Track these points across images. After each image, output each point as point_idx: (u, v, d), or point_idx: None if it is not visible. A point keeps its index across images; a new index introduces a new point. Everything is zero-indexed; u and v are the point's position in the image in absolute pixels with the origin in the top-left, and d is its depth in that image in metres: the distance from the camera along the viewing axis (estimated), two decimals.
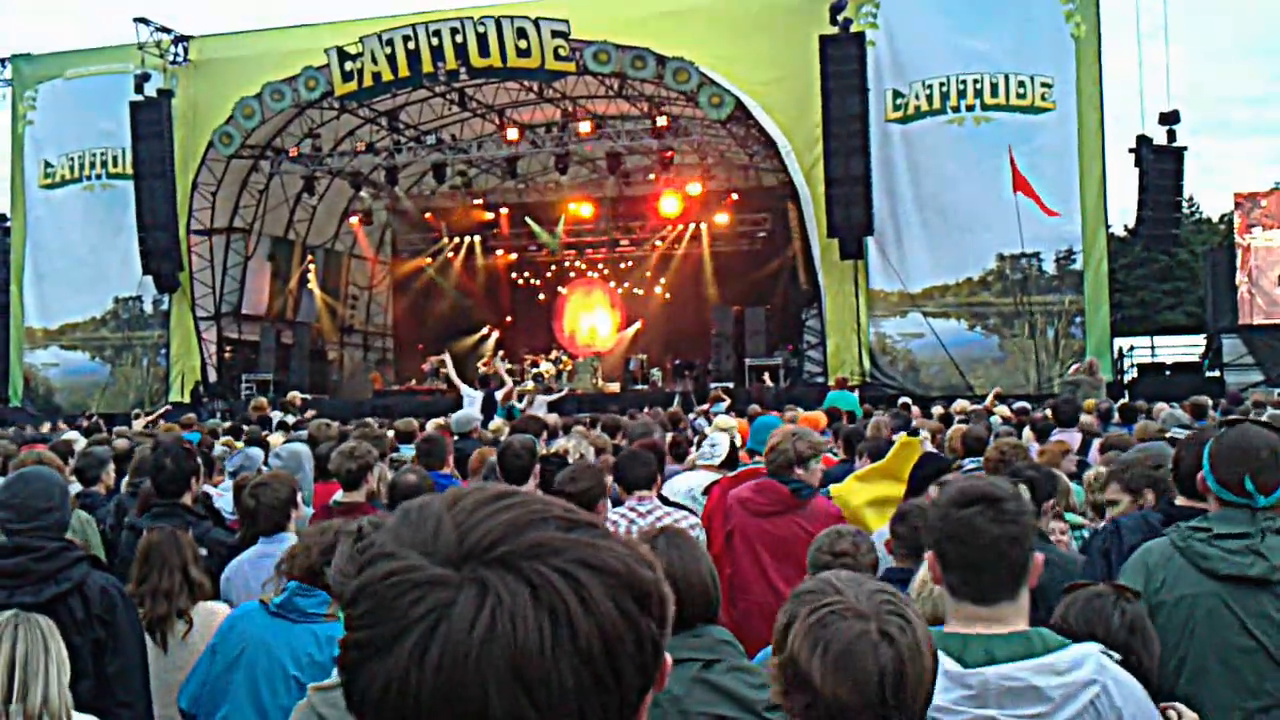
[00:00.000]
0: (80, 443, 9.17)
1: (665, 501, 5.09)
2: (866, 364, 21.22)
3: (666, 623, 0.96)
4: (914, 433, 8.67)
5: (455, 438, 8.63)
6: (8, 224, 27.47)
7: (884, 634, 1.78)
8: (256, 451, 7.32)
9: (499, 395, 14.02)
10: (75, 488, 5.93)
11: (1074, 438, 8.56)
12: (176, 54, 25.60)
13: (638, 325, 30.48)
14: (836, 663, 1.77)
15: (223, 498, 6.41)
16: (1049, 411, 10.25)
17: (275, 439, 9.93)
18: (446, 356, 16.46)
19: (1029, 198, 19.87)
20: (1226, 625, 3.10)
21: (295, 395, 18.35)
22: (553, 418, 12.01)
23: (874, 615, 1.80)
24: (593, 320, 31.71)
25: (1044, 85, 20.42)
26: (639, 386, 25.46)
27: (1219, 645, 3.09)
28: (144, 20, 25.10)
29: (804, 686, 1.80)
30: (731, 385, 21.88)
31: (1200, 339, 23.81)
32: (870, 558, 3.53)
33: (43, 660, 2.91)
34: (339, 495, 5.63)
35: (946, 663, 2.14)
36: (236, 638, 3.56)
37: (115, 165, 26.18)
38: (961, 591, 2.30)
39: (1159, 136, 20.24)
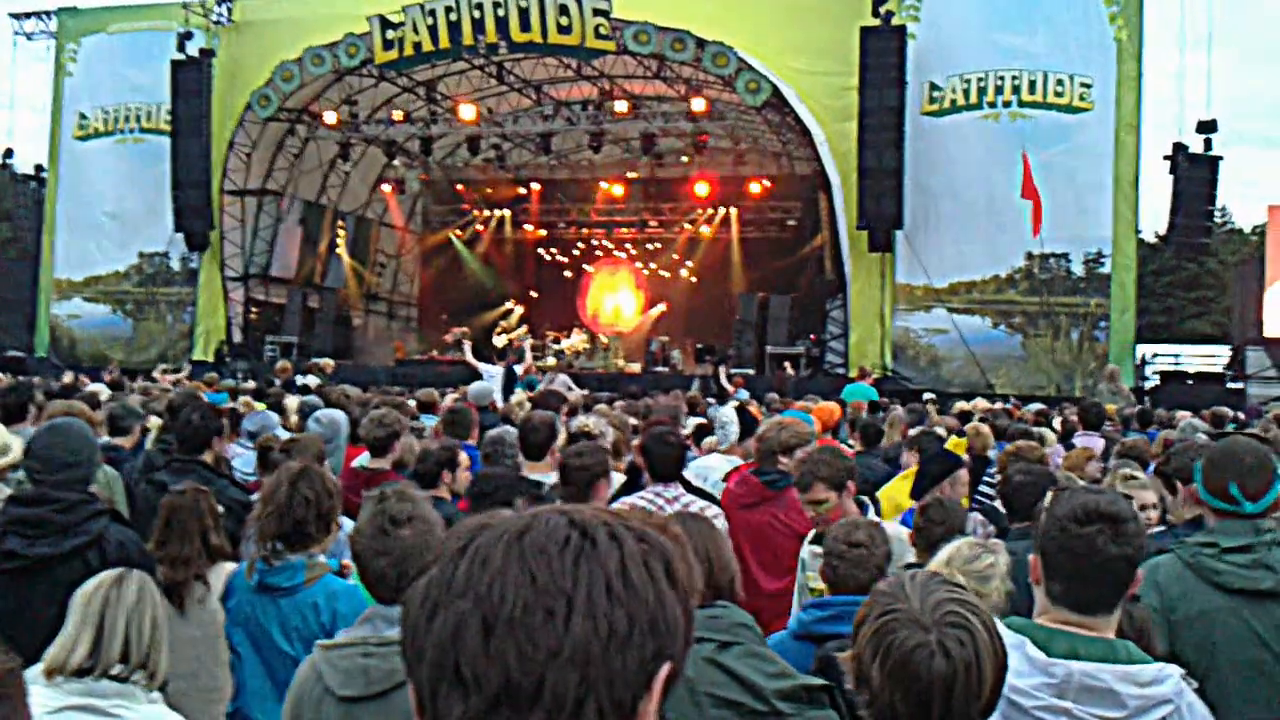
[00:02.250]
0: (105, 395, 9.29)
1: (689, 488, 5.14)
2: (888, 358, 21.20)
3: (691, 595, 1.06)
4: (959, 433, 8.73)
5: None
6: (44, 175, 27.70)
7: (942, 647, 1.82)
8: (273, 415, 7.40)
9: (519, 369, 14.10)
10: (103, 439, 6.01)
11: (1096, 442, 8.56)
12: (220, 14, 25.70)
13: (662, 307, 30.52)
14: (893, 672, 1.82)
15: (240, 457, 6.50)
16: (1074, 414, 10.25)
17: (291, 402, 10.03)
18: (467, 346, 16.41)
19: (1030, 201, 19.74)
20: (1243, 639, 3.13)
21: (327, 361, 18.58)
22: (575, 394, 12.10)
23: (935, 627, 1.84)
24: (617, 300, 31.76)
25: (1083, 85, 20.26)
26: (660, 368, 25.50)
27: (1238, 659, 3.12)
28: None
29: (866, 686, 1.88)
30: (751, 372, 21.91)
31: (1225, 349, 23.64)
32: (884, 549, 3.58)
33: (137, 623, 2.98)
34: (365, 460, 5.74)
35: (1031, 649, 2.21)
36: (234, 614, 3.65)
37: (149, 120, 26.34)
38: (1063, 599, 2.34)
39: (1195, 144, 20.07)
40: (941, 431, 8.26)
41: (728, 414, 7.09)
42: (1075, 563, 2.30)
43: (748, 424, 6.82)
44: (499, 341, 27.61)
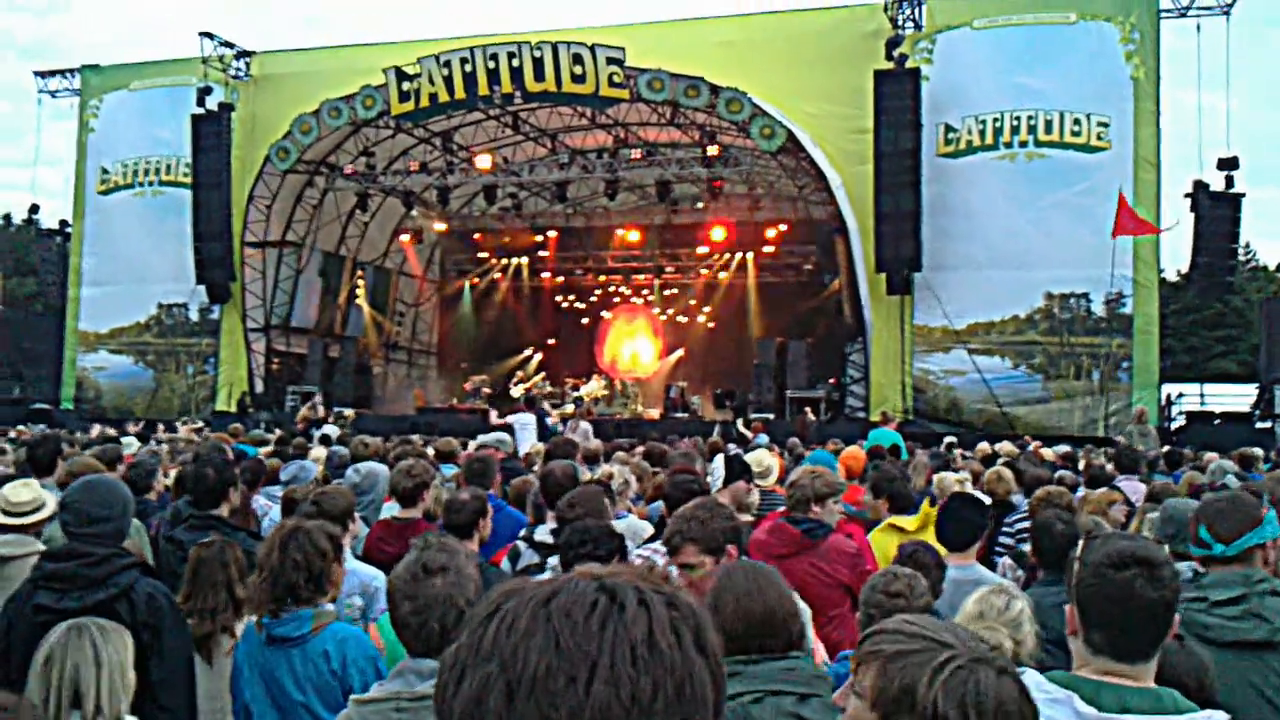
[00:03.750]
0: (133, 446, 9.31)
1: None
2: (909, 400, 21.10)
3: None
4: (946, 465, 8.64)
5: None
6: (69, 229, 28.02)
7: (1002, 670, 1.70)
8: (310, 465, 7.41)
9: (550, 419, 14.11)
10: None
11: (1139, 487, 8.43)
12: (239, 69, 26.10)
13: (680, 353, 30.54)
14: (994, 713, 1.66)
15: (274, 511, 6.48)
16: (1106, 457, 10.13)
17: (319, 452, 10.04)
18: (495, 416, 16.40)
19: (1138, 233, 19.49)
20: (1240, 694, 3.06)
21: (349, 411, 18.69)
22: (594, 443, 12.05)
23: (989, 661, 1.73)
24: (635, 346, 31.81)
25: (1100, 125, 20.29)
26: (679, 414, 25.47)
27: (1233, 712, 3.07)
28: (209, 35, 25.62)
29: None
30: (771, 417, 21.83)
31: (1252, 389, 23.38)
32: (924, 599, 3.52)
33: (94, 673, 2.99)
34: (396, 511, 5.73)
35: (1080, 705, 2.18)
36: (246, 667, 3.61)
37: (169, 173, 26.71)
38: (1104, 649, 2.31)
39: (1217, 182, 20.04)
40: (966, 475, 8.18)
41: (716, 462, 7.02)
42: (1114, 609, 2.28)
43: (734, 469, 6.75)
44: (516, 391, 27.69)
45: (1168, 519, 4.84)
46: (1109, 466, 9.48)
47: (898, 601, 3.40)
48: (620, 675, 0.95)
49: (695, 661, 0.99)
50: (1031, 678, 2.24)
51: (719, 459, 7.01)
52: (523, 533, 5.49)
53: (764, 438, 14.97)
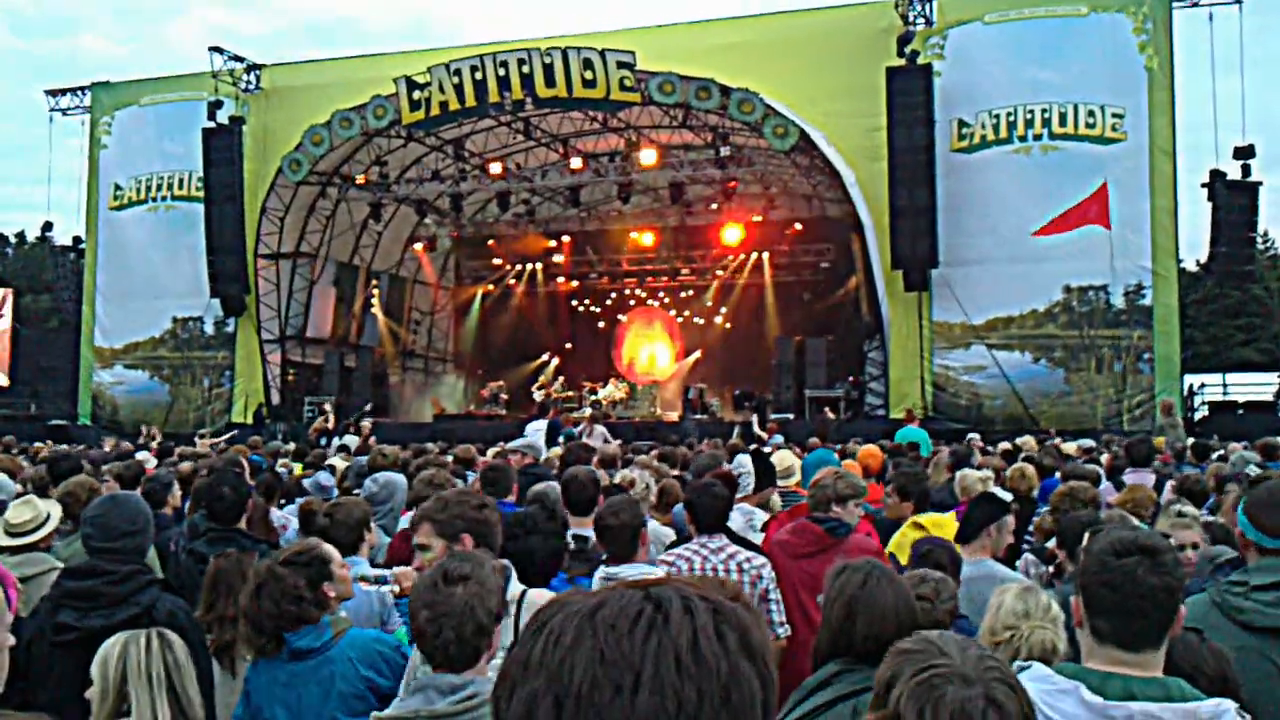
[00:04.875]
0: (152, 463, 9.31)
1: (734, 538, 5.04)
2: (929, 397, 20.98)
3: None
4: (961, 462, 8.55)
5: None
6: (82, 246, 28.14)
7: (992, 700, 1.77)
8: (325, 475, 7.38)
9: (561, 421, 14.09)
10: None
11: (1148, 479, 8.37)
12: (249, 82, 26.15)
13: (697, 354, 30.49)
14: None
15: (293, 524, 6.45)
16: (1122, 450, 10.03)
17: (339, 463, 10.02)
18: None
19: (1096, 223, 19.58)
20: (1266, 677, 3.07)
21: (365, 424, 18.73)
22: (611, 447, 11.99)
23: (980, 681, 1.79)
24: (652, 349, 31.76)
25: (1115, 116, 20.14)
26: (698, 416, 25.40)
27: (1263, 699, 3.03)
28: (218, 49, 25.68)
29: None
30: (791, 416, 21.76)
31: (1274, 376, 23.19)
32: (949, 605, 3.47)
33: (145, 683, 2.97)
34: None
35: (1086, 695, 2.23)
36: (265, 681, 3.56)
37: (180, 188, 26.79)
38: (1109, 637, 2.36)
39: (1233, 171, 19.89)
40: (989, 472, 8.09)
41: (744, 462, 6.96)
42: (1117, 596, 2.34)
43: (765, 472, 6.70)
44: (538, 396, 27.70)
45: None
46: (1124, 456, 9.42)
47: (924, 605, 3.34)
48: (666, 684, 0.96)
49: (742, 667, 1.00)
50: (1039, 670, 2.33)
51: (746, 460, 6.93)
52: None
53: (779, 438, 14.92)
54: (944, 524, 5.86)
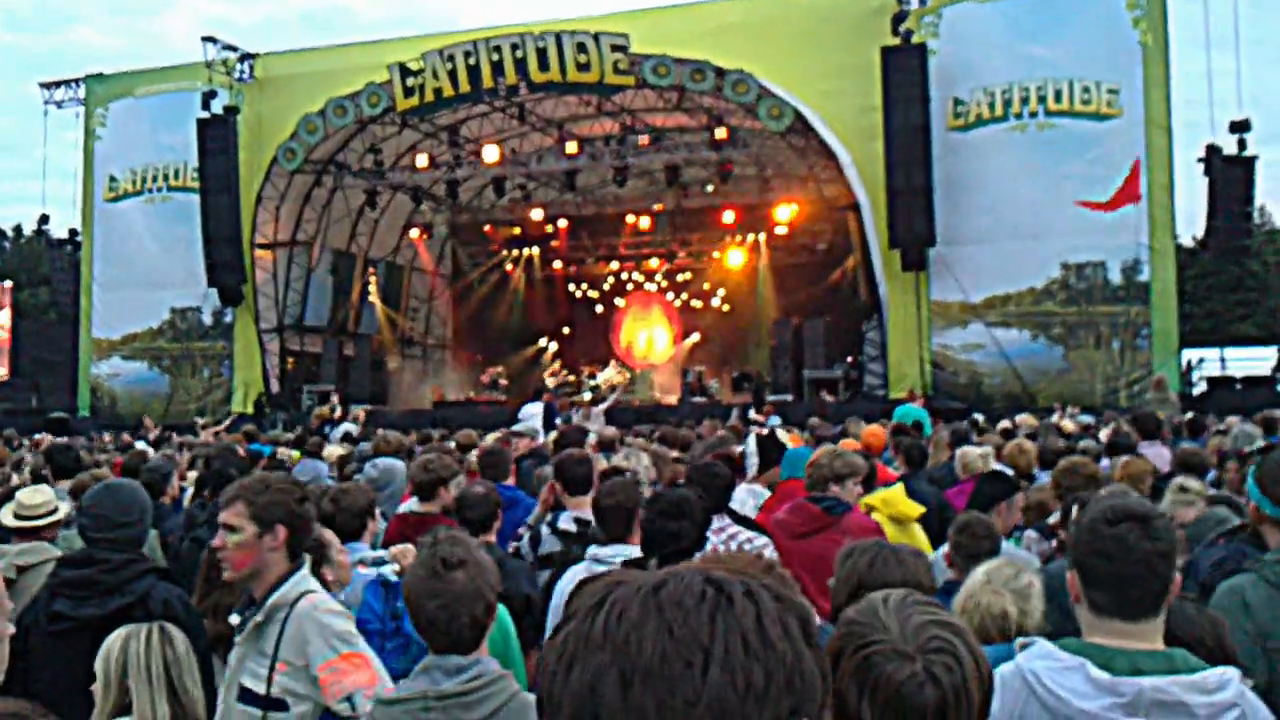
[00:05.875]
0: (151, 453, 9.31)
1: (735, 518, 5.04)
2: (928, 376, 20.98)
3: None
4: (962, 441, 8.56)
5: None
6: (79, 238, 28.10)
7: (930, 675, 1.75)
8: (322, 465, 7.39)
9: (557, 405, 14.10)
10: None
11: (1162, 452, 8.34)
12: (242, 71, 26.07)
13: (695, 337, 30.48)
14: (885, 707, 1.75)
15: None
16: (1127, 424, 10.01)
17: (333, 451, 10.02)
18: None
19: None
20: None
21: (359, 411, 18.75)
22: (609, 430, 11.99)
23: (919, 654, 1.77)
24: (650, 332, 31.77)
25: (1110, 92, 20.08)
26: (697, 398, 25.41)
27: None
28: (211, 39, 25.60)
29: None
30: (790, 398, 21.76)
31: (1271, 350, 23.19)
32: (930, 583, 3.47)
33: (144, 676, 2.97)
34: (414, 506, 5.69)
35: (1093, 671, 2.21)
36: None
37: (176, 179, 26.72)
38: (1107, 608, 2.33)
39: (1229, 145, 19.83)
40: (988, 449, 8.10)
41: (749, 445, 6.97)
42: (1111, 566, 2.31)
43: (770, 454, 6.70)
44: (551, 383, 27.77)
45: None
46: (1133, 434, 9.36)
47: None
48: (735, 663, 0.96)
49: (805, 653, 1.00)
50: (1043, 647, 2.31)
51: (751, 441, 6.94)
52: (547, 518, 5.44)
53: (776, 419, 14.92)
54: (895, 501, 5.86)
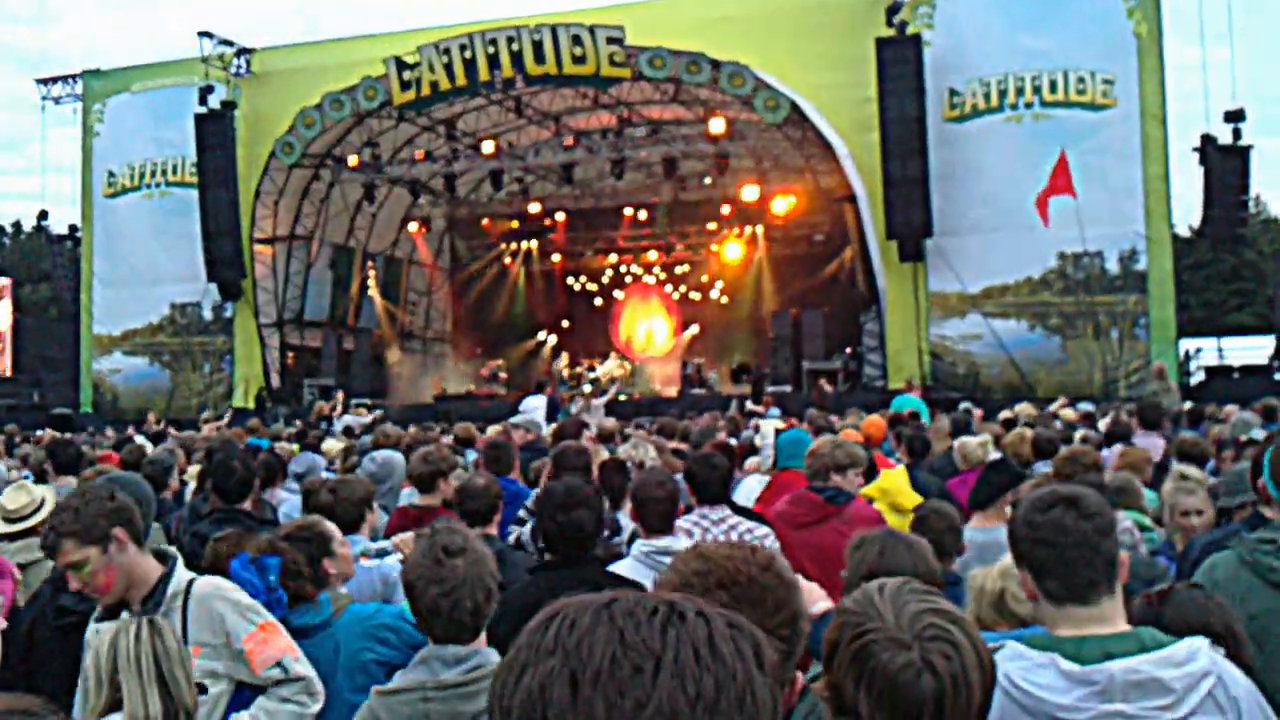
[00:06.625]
0: (150, 448, 9.32)
1: (735, 509, 5.04)
2: (926, 367, 21.00)
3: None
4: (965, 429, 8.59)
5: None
6: (79, 234, 28.09)
7: (927, 663, 1.76)
8: (319, 457, 7.41)
9: (559, 397, 14.13)
10: None
11: (1157, 442, 8.36)
12: (239, 66, 26.03)
13: (694, 329, 30.50)
14: (881, 697, 1.76)
15: (287, 502, 6.48)
16: (1127, 413, 10.03)
17: (330, 445, 10.04)
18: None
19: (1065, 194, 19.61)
20: None
21: (361, 405, 18.79)
22: (609, 422, 12.03)
23: (916, 643, 1.77)
24: (649, 325, 31.77)
25: (1105, 82, 20.09)
26: (696, 390, 25.43)
27: None
28: (208, 34, 25.55)
29: (852, 713, 1.80)
30: (789, 389, 21.78)
31: (1269, 339, 23.21)
32: (936, 572, 3.48)
33: (134, 670, 2.98)
34: (414, 498, 5.72)
35: (1063, 664, 2.20)
36: None
37: (174, 174, 26.70)
38: (1060, 595, 2.33)
39: (1224, 135, 19.81)
40: (987, 438, 8.12)
41: (766, 433, 6.97)
42: (1054, 551, 2.32)
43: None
44: (565, 374, 27.85)
45: None
46: (1134, 423, 9.39)
47: None
48: (686, 670, 0.95)
49: (756, 675, 0.99)
50: (1012, 649, 2.28)
51: (768, 428, 6.94)
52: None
53: (775, 410, 14.96)
54: (894, 491, 5.89)
